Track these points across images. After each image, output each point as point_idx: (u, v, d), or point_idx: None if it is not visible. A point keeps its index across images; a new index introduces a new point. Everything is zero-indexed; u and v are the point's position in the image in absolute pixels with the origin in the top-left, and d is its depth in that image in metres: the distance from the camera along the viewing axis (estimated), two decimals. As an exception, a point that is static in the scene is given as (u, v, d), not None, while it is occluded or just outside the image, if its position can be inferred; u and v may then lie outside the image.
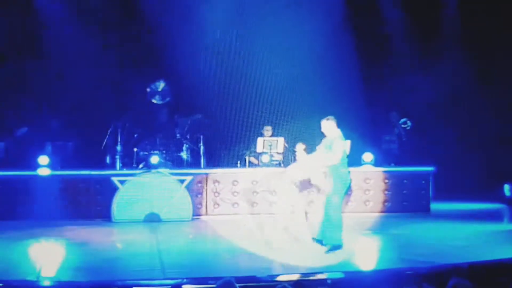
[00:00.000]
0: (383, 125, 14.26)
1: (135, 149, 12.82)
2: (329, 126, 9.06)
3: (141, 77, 13.76)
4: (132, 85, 13.70)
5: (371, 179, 12.39)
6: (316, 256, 8.66)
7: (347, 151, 9.48)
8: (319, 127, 9.17)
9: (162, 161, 12.48)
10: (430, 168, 12.57)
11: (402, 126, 13.69)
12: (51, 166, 11.92)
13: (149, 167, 12.07)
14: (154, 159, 12.09)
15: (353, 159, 12.74)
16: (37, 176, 11.61)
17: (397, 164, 13.10)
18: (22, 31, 13.37)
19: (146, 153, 12.62)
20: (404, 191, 12.43)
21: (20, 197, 11.41)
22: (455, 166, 14.17)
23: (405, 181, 12.48)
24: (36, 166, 11.80)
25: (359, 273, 7.91)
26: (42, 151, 12.37)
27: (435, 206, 12.61)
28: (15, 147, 12.76)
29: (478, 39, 14.44)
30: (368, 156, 12.62)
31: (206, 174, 12.15)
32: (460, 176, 14.17)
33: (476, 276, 6.77)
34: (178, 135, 13.15)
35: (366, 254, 9.20)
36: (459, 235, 10.19)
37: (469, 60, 14.50)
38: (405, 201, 12.41)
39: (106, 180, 11.56)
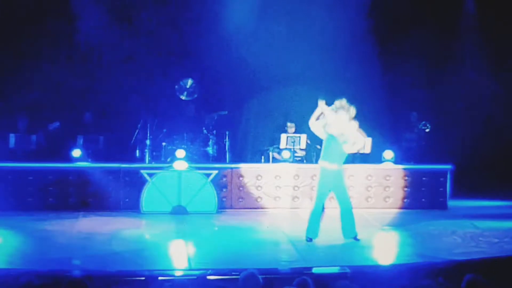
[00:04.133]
0: (404, 123, 14.19)
1: (164, 144, 12.88)
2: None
3: (170, 75, 13.84)
4: (161, 82, 13.80)
5: (391, 176, 12.34)
6: (336, 249, 8.66)
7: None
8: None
9: (189, 155, 12.53)
10: (448, 166, 12.48)
11: (422, 128, 13.59)
12: (83, 158, 12.03)
13: (177, 160, 12.11)
14: (181, 153, 12.14)
15: (374, 157, 12.80)
16: (69, 168, 11.72)
17: (417, 162, 13.02)
18: (60, 34, 13.53)
19: (174, 147, 12.68)
20: (423, 188, 12.35)
21: (52, 189, 11.52)
22: (475, 163, 14.04)
23: (424, 178, 12.40)
24: (68, 158, 11.92)
25: (378, 267, 7.90)
26: (74, 144, 12.50)
27: (453, 203, 12.53)
28: (47, 140, 12.88)
29: (497, 39, 14.30)
30: (388, 154, 12.58)
31: (231, 168, 12.17)
32: (480, 174, 14.02)
33: (491, 271, 6.73)
34: (204, 130, 13.19)
35: (385, 249, 9.18)
36: (475, 231, 10.11)
37: (490, 59, 14.37)
38: (424, 198, 12.34)
39: (136, 173, 11.63)
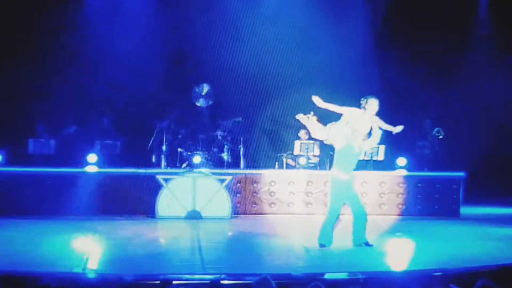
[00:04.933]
0: (418, 130, 14.16)
1: (179, 149, 12.95)
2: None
3: (186, 81, 13.92)
4: (177, 88, 13.87)
5: (404, 183, 12.32)
6: (349, 255, 8.65)
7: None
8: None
9: (204, 161, 12.58)
10: (461, 174, 12.45)
11: (435, 135, 13.55)
12: (100, 163, 12.11)
13: (192, 166, 12.17)
14: (197, 159, 12.19)
15: (388, 164, 12.78)
16: (85, 172, 11.80)
17: (430, 169, 12.99)
18: (77, 41, 13.67)
19: (190, 153, 12.74)
20: (436, 195, 12.34)
21: (68, 193, 11.59)
22: (488, 171, 13.98)
23: (437, 185, 12.39)
24: (84, 163, 12.01)
25: (390, 273, 7.88)
26: (91, 149, 12.59)
27: (466, 210, 12.49)
28: (65, 145, 12.98)
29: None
30: (402, 161, 12.58)
31: (245, 174, 12.21)
32: (493, 181, 13.97)
33: (503, 278, 6.69)
34: (219, 136, 13.24)
35: (397, 255, 9.15)
36: (488, 238, 10.06)
37: (504, 65, 14.33)
38: (437, 205, 12.31)
39: (152, 178, 11.70)
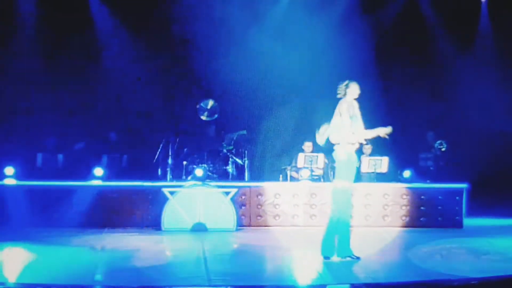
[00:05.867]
0: (420, 143, 14.17)
1: (185, 163, 12.98)
2: None
3: (191, 95, 13.98)
4: (182, 103, 13.94)
5: (407, 195, 12.32)
6: (352, 266, 8.64)
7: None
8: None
9: (209, 174, 12.60)
10: (464, 185, 12.44)
11: (438, 147, 13.56)
12: (106, 177, 12.15)
13: (197, 179, 12.19)
14: (201, 172, 12.22)
15: (391, 176, 12.78)
16: (90, 186, 11.83)
17: (433, 181, 12.99)
18: (85, 56, 13.79)
19: (195, 166, 12.76)
20: (439, 207, 12.32)
21: (77, 206, 11.62)
22: (491, 182, 13.95)
23: (440, 197, 12.37)
24: (91, 176, 12.05)
25: (393, 284, 7.87)
26: (98, 163, 12.63)
27: (469, 221, 12.46)
28: (73, 159, 13.04)
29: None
30: (405, 173, 12.58)
31: (250, 187, 12.22)
32: (495, 192, 13.93)
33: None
34: (224, 149, 13.27)
35: (400, 267, 9.13)
36: (491, 249, 10.04)
37: (506, 75, 14.34)
38: (440, 217, 12.29)
39: (157, 191, 11.72)
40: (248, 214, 12.09)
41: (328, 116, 9.10)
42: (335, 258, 8.77)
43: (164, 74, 14.06)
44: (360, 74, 13.58)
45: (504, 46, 14.50)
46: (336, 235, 8.81)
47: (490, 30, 15.00)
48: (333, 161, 12.42)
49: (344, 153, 8.82)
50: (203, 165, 12.67)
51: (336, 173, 8.99)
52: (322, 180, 12.97)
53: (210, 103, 13.71)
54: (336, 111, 8.87)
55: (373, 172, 12.70)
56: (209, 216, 11.53)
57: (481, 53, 14.97)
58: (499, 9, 14.55)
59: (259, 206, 12.10)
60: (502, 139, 14.44)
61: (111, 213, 11.74)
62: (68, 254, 9.31)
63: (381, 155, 12.82)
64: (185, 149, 13.27)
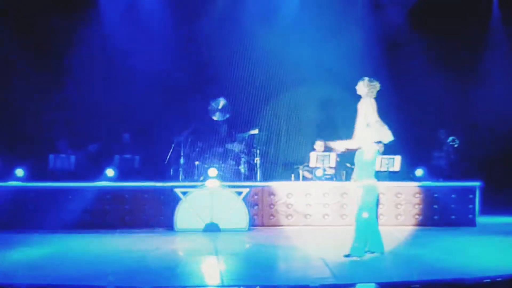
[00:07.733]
0: (432, 141, 14.07)
1: (197, 163, 12.96)
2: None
3: (203, 94, 13.96)
4: (194, 103, 13.92)
5: (420, 193, 12.23)
6: (366, 266, 8.58)
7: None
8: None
9: (221, 174, 12.57)
10: (477, 183, 12.34)
11: (450, 143, 13.46)
12: (119, 177, 12.15)
13: (210, 179, 12.15)
14: (214, 172, 12.19)
15: (403, 174, 12.70)
16: (106, 187, 11.83)
17: (446, 179, 12.90)
18: (97, 57, 13.81)
19: (207, 166, 12.73)
20: (452, 205, 12.22)
21: (90, 207, 11.64)
22: (504, 179, 13.84)
23: (453, 195, 12.27)
24: (103, 177, 12.05)
25: (407, 283, 7.80)
26: (110, 164, 12.63)
27: (482, 220, 12.37)
28: (86, 160, 13.06)
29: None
30: (418, 171, 12.50)
31: (262, 186, 12.19)
32: (509, 190, 13.82)
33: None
34: (236, 149, 13.23)
35: (414, 265, 9.06)
36: (505, 248, 9.95)
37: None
38: (453, 215, 12.20)
39: (170, 192, 11.70)
40: (260, 214, 12.05)
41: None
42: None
43: (176, 73, 14.04)
44: (372, 72, 13.60)
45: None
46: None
47: (501, 25, 14.88)
48: (344, 160, 12.46)
49: (373, 153, 8.75)
50: (215, 165, 12.63)
51: (360, 172, 8.86)
52: (334, 179, 12.90)
53: (222, 102, 13.67)
54: (360, 111, 8.78)
55: (385, 171, 12.61)
56: (221, 216, 11.50)
57: (493, 49, 14.85)
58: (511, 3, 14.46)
59: (271, 206, 12.06)
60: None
61: (123, 214, 11.74)
62: (81, 255, 9.31)
63: (394, 154, 12.74)
64: (197, 149, 13.25)
